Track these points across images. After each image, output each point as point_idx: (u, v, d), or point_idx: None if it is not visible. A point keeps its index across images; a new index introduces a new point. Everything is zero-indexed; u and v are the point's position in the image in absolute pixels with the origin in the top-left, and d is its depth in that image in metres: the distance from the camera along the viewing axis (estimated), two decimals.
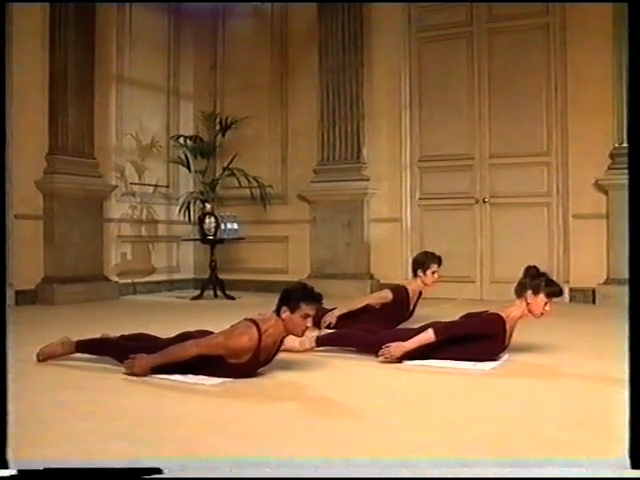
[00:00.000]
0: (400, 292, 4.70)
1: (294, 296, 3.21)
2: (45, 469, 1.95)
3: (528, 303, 3.64)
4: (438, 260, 4.66)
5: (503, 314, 3.66)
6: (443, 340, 3.64)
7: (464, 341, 3.65)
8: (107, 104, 7.73)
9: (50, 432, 2.41)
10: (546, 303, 3.62)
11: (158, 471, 1.91)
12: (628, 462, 1.88)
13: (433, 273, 4.63)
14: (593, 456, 2.13)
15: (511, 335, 3.73)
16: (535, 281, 3.65)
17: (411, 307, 4.74)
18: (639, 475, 1.86)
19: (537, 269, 3.72)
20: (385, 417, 2.69)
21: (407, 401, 2.98)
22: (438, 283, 4.83)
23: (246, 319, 3.29)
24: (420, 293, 4.78)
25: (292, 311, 3.19)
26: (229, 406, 2.88)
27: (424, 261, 4.66)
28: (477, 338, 3.64)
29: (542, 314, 3.66)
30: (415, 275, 4.70)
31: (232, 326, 3.27)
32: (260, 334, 3.18)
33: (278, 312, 3.23)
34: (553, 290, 3.65)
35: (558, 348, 4.06)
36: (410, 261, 7.56)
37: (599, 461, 2.04)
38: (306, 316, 3.20)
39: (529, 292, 3.63)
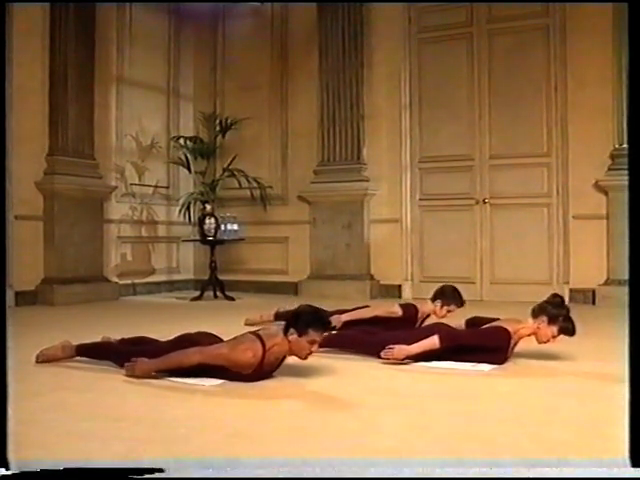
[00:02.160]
0: (410, 310, 4.69)
1: (303, 320, 3.16)
2: (45, 469, 1.95)
3: (539, 328, 3.61)
4: (461, 303, 4.62)
5: (511, 329, 3.62)
6: (447, 348, 3.63)
7: (467, 350, 3.64)
8: (107, 105, 7.74)
9: (50, 432, 2.41)
10: (555, 336, 3.60)
11: (158, 471, 1.91)
12: (628, 462, 1.88)
13: (448, 311, 4.61)
14: (593, 456, 2.13)
15: (513, 349, 3.73)
16: (555, 311, 3.60)
17: (417, 326, 4.74)
18: (639, 475, 1.86)
19: (562, 300, 3.70)
20: (385, 417, 2.69)
21: (407, 401, 2.98)
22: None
23: (252, 333, 3.25)
24: (428, 315, 4.79)
25: (299, 335, 3.15)
26: (229, 406, 2.88)
27: (447, 297, 4.60)
28: (480, 348, 3.62)
29: (545, 342, 3.65)
30: (433, 300, 4.68)
31: (236, 338, 3.24)
32: (265, 351, 3.15)
33: (286, 332, 3.19)
34: (567, 327, 3.59)
35: (558, 349, 4.05)
36: (410, 261, 7.73)
37: (599, 461, 2.04)
38: (313, 342, 3.17)
39: (545, 318, 3.59)
